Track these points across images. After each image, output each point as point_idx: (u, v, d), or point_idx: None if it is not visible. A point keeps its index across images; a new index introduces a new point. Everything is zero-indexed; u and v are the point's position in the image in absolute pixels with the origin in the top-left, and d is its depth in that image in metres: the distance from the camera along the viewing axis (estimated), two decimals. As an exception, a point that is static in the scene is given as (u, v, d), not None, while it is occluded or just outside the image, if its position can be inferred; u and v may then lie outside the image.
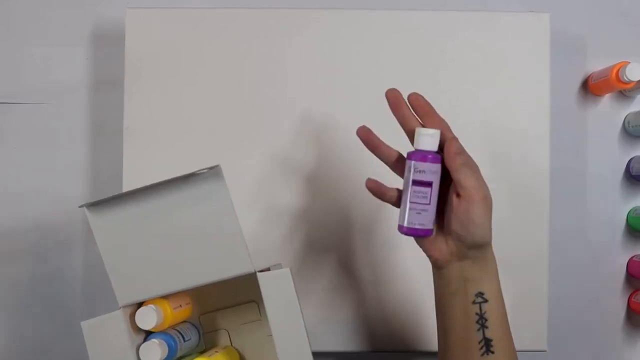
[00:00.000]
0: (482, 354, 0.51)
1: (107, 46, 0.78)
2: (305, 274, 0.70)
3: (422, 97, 0.53)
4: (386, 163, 0.54)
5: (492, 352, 0.51)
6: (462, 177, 0.50)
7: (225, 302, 0.63)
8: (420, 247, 0.54)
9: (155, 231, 0.53)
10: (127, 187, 0.69)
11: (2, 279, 0.77)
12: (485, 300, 0.51)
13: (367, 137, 0.54)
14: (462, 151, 0.51)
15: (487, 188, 0.52)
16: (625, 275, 0.78)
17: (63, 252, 0.77)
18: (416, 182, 0.50)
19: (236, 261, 0.53)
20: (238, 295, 0.62)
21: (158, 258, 0.54)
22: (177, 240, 0.53)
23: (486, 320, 0.51)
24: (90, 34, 0.78)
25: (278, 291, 0.52)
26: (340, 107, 0.70)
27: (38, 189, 0.77)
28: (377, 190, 0.53)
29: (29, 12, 0.79)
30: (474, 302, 0.51)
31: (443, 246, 0.52)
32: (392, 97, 0.53)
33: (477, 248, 0.52)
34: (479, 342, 0.51)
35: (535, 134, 0.70)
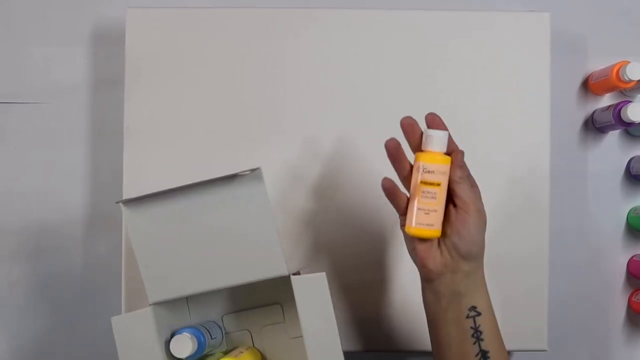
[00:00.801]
0: None
1: (107, 46, 0.78)
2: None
3: (439, 118, 0.53)
4: (400, 175, 0.54)
5: None
6: (460, 188, 0.51)
7: (249, 303, 0.62)
8: (414, 257, 0.54)
9: (190, 230, 0.53)
10: (127, 187, 0.69)
11: (2, 278, 0.77)
12: (479, 314, 0.52)
13: (395, 151, 0.53)
14: (464, 165, 0.52)
15: (483, 205, 0.52)
16: (625, 275, 0.78)
17: (63, 252, 0.77)
18: (425, 183, 0.50)
19: (271, 263, 0.53)
20: (262, 297, 0.62)
21: (191, 257, 0.54)
22: (212, 240, 0.53)
23: (481, 333, 0.52)
24: (90, 34, 0.78)
25: (312, 295, 0.52)
26: (340, 107, 0.70)
27: (38, 189, 0.77)
28: (391, 191, 0.53)
29: (29, 12, 0.79)
30: (467, 317, 0.52)
31: (437, 257, 0.52)
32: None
33: (471, 260, 0.52)
34: (476, 355, 0.51)
35: (535, 133, 0.70)
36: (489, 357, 0.51)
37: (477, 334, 0.51)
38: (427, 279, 0.54)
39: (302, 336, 0.59)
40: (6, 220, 0.77)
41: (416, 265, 0.54)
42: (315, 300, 0.52)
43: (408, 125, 0.52)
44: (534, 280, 0.70)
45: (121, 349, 0.53)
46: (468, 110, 0.70)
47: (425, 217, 0.50)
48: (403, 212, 0.53)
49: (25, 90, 0.78)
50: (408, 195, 0.53)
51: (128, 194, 0.69)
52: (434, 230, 0.51)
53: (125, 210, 0.53)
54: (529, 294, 0.69)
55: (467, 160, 0.71)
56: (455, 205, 0.51)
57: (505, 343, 0.70)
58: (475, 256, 0.52)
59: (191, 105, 0.70)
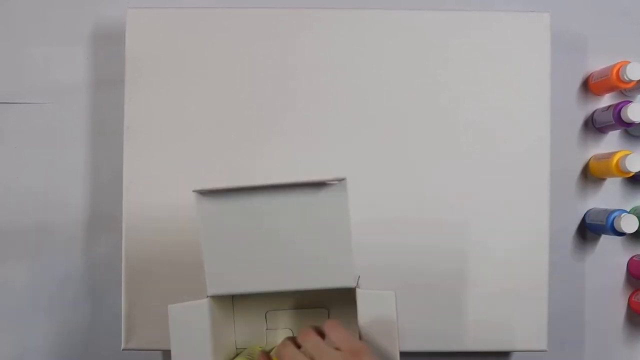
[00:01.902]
0: None
1: (107, 46, 0.78)
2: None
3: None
4: None
5: None
6: None
7: (295, 303, 0.62)
8: None
9: (262, 229, 0.53)
10: (127, 187, 0.70)
11: (1, 278, 0.77)
12: None
13: None
14: None
15: None
16: (625, 275, 0.78)
17: (63, 252, 0.77)
18: None
19: (339, 273, 0.52)
20: (308, 299, 0.61)
21: (259, 256, 0.53)
22: (282, 242, 0.53)
23: None
24: (90, 34, 0.78)
25: (376, 312, 0.51)
26: (340, 107, 0.70)
27: (38, 189, 0.77)
28: None
29: (29, 12, 0.79)
30: None
31: None
32: None
33: None
34: None
35: (535, 133, 0.70)
36: None
37: None
38: None
39: None
40: (6, 220, 0.77)
41: None
42: (380, 319, 0.51)
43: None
44: (534, 280, 0.70)
45: (174, 338, 0.53)
46: (468, 110, 0.70)
47: None
48: None
49: (25, 90, 0.78)
50: None
51: (128, 194, 0.69)
52: None
53: (199, 200, 0.52)
54: (529, 294, 0.69)
55: (467, 160, 0.71)
56: None
57: (505, 343, 0.70)
58: None
59: (191, 105, 0.70)
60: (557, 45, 0.73)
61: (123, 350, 0.69)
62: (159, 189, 0.69)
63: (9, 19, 0.78)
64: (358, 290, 0.52)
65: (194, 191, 0.52)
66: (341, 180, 0.51)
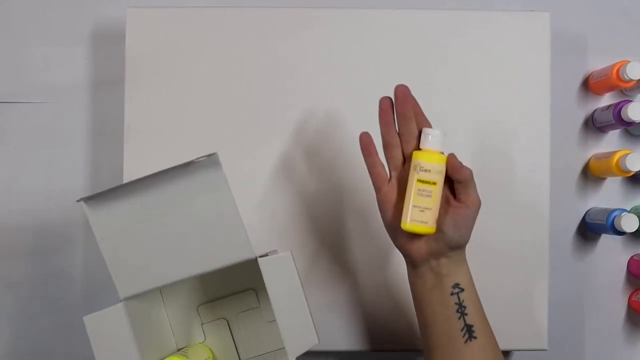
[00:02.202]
0: (466, 341, 0.52)
1: (107, 46, 0.78)
2: (304, 273, 0.69)
3: (411, 96, 0.53)
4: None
5: (475, 337, 0.53)
6: (470, 186, 0.52)
7: (223, 291, 0.63)
8: (397, 245, 0.55)
9: (154, 222, 0.54)
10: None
11: (2, 278, 0.77)
12: (462, 290, 0.53)
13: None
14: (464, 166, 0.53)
15: None
16: (625, 274, 0.78)
17: (63, 251, 0.77)
18: (422, 181, 0.51)
19: (237, 248, 0.53)
20: (235, 284, 0.63)
21: (158, 248, 0.54)
22: (177, 230, 0.54)
23: (465, 307, 0.53)
24: (90, 34, 0.78)
25: (280, 275, 0.53)
26: (340, 106, 0.70)
27: (38, 188, 0.77)
28: (366, 146, 0.55)
29: (29, 12, 0.79)
30: (451, 294, 0.53)
31: (422, 245, 0.53)
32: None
33: (458, 249, 0.54)
34: (462, 330, 0.53)
35: (535, 132, 0.70)
36: (473, 331, 0.53)
37: (461, 309, 0.53)
38: (412, 265, 0.55)
39: None
40: (6, 220, 0.77)
41: (400, 251, 0.56)
42: (284, 280, 0.53)
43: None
44: (534, 280, 0.70)
45: (96, 347, 0.53)
46: (468, 110, 0.70)
47: (420, 215, 0.51)
48: (379, 186, 0.55)
49: (25, 90, 0.78)
50: (387, 170, 0.55)
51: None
52: (428, 228, 0.52)
53: (86, 208, 0.53)
54: (529, 294, 0.69)
55: (467, 160, 0.71)
56: (457, 200, 0.53)
57: (505, 343, 0.70)
58: (462, 245, 0.54)
59: (191, 105, 0.70)
60: (557, 45, 0.73)
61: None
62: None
63: (9, 19, 0.78)
64: (259, 259, 0.53)
65: (78, 201, 0.53)
66: (211, 155, 0.52)
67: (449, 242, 0.52)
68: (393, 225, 0.54)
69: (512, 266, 0.70)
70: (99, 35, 0.78)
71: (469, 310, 0.53)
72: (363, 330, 0.70)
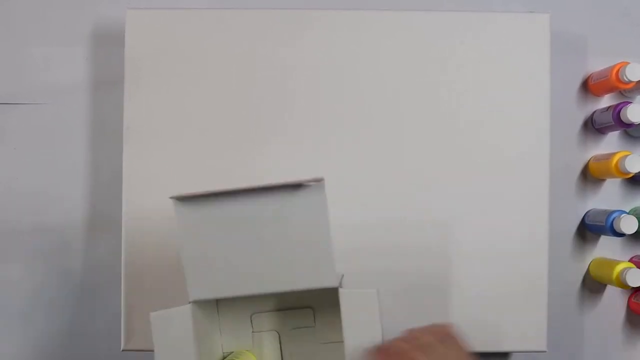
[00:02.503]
0: None
1: (107, 46, 0.78)
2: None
3: None
4: None
5: None
6: None
7: (280, 304, 0.62)
8: None
9: (242, 232, 0.53)
10: (127, 187, 0.70)
11: (2, 278, 0.77)
12: None
13: None
14: None
15: None
16: (624, 275, 0.78)
17: (63, 252, 0.77)
18: None
19: (321, 274, 0.52)
20: (293, 300, 0.61)
21: (239, 259, 0.53)
22: (263, 245, 0.53)
23: None
24: (90, 34, 0.78)
25: (360, 312, 0.52)
26: (340, 107, 0.70)
27: (38, 189, 0.77)
28: None
29: (29, 12, 0.79)
30: None
31: None
32: None
33: None
34: None
35: (535, 133, 0.70)
36: None
37: None
38: None
39: (332, 342, 0.59)
40: (6, 220, 0.77)
41: None
42: (363, 318, 0.51)
43: None
44: (533, 281, 0.70)
45: (158, 346, 0.53)
46: (468, 111, 0.70)
47: None
48: None
49: (25, 90, 0.78)
50: None
51: (128, 194, 0.69)
52: None
53: (177, 207, 0.53)
54: (528, 295, 0.69)
55: (467, 160, 0.71)
56: None
57: (504, 344, 0.70)
58: None
59: (191, 105, 0.70)
60: (557, 46, 0.73)
61: (123, 351, 0.69)
62: (159, 189, 0.69)
63: (9, 19, 0.78)
64: (341, 290, 0.52)
65: (171, 198, 0.52)
66: (319, 180, 0.51)
67: None
68: None
69: (511, 267, 0.70)
70: (99, 36, 0.78)
71: None
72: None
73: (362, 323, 0.51)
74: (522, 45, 0.71)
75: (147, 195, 0.69)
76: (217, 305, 0.61)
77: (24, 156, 0.78)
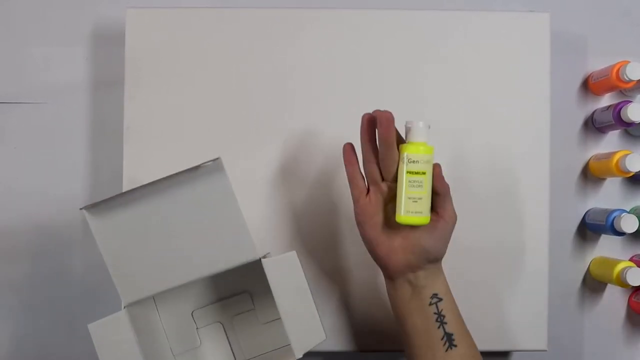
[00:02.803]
0: (447, 349, 0.53)
1: (107, 46, 0.78)
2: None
3: (394, 124, 0.54)
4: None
5: (455, 346, 0.53)
6: (446, 201, 0.54)
7: (217, 295, 0.63)
8: (375, 257, 0.56)
9: (157, 227, 0.54)
10: (127, 187, 0.69)
11: (1, 279, 0.77)
12: (440, 299, 0.54)
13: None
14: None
15: None
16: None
17: (63, 252, 0.77)
18: (411, 172, 0.52)
19: (241, 250, 0.53)
20: (229, 288, 0.63)
21: (161, 253, 0.54)
22: (180, 235, 0.54)
23: (444, 317, 0.54)
24: (90, 34, 0.78)
25: (285, 275, 0.53)
26: (340, 107, 0.70)
27: (38, 189, 0.77)
28: (348, 156, 0.57)
29: (29, 12, 0.79)
30: (430, 304, 0.54)
31: (400, 258, 0.54)
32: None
33: (435, 261, 0.55)
34: (442, 339, 0.53)
35: (535, 133, 0.71)
36: (453, 340, 0.54)
37: (440, 318, 0.54)
38: (389, 277, 0.56)
39: (274, 320, 0.61)
40: (6, 220, 0.77)
41: (377, 264, 0.56)
42: (289, 279, 0.53)
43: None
44: (533, 280, 0.70)
45: (102, 355, 0.53)
46: (468, 111, 0.70)
47: (414, 205, 0.52)
48: (357, 198, 0.55)
49: (25, 90, 0.78)
50: (366, 182, 0.56)
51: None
52: (423, 217, 0.53)
53: (88, 216, 0.53)
54: (529, 294, 0.69)
55: (467, 160, 0.71)
56: (435, 214, 0.54)
57: (505, 343, 0.70)
58: (440, 259, 0.55)
59: (191, 105, 0.70)
60: (557, 45, 0.73)
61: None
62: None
63: (9, 19, 0.78)
64: (263, 260, 0.53)
65: (81, 209, 0.53)
66: (215, 159, 0.52)
67: (427, 255, 0.53)
68: (370, 237, 0.55)
69: (511, 266, 0.70)
70: (99, 35, 0.78)
71: (447, 319, 0.54)
72: (350, 330, 0.70)
73: (289, 285, 0.53)
74: (522, 45, 0.71)
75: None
76: (156, 307, 0.62)
77: (24, 156, 0.77)
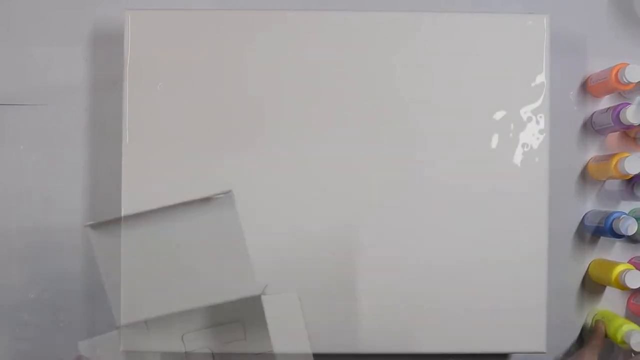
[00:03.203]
0: None
1: (107, 46, 0.78)
2: (298, 274, 0.69)
3: None
4: None
5: None
6: None
7: (209, 321, 0.62)
8: None
9: (161, 252, 0.54)
10: (126, 189, 0.69)
11: (2, 278, 0.77)
12: None
13: None
14: None
15: None
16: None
17: (63, 252, 0.77)
18: None
19: (243, 284, 0.54)
20: (222, 315, 0.62)
21: (162, 278, 0.54)
22: (183, 262, 0.54)
23: None
24: (90, 34, 0.78)
25: (284, 315, 0.53)
26: (340, 109, 0.70)
27: (38, 189, 0.77)
28: None
29: (29, 12, 0.79)
30: None
31: None
32: None
33: None
34: None
35: (534, 135, 0.71)
36: None
37: None
38: None
39: (264, 353, 0.60)
40: (6, 220, 0.77)
41: None
42: (287, 321, 0.53)
43: None
44: (532, 282, 0.70)
45: None
46: (467, 112, 0.70)
47: None
48: None
49: (25, 91, 0.78)
50: None
51: (127, 195, 0.69)
52: None
53: (92, 234, 0.53)
54: (528, 296, 0.69)
55: (466, 162, 0.71)
56: None
57: (503, 345, 0.70)
58: None
59: (191, 106, 0.70)
60: (556, 47, 0.73)
61: (122, 351, 0.69)
62: (158, 189, 0.69)
63: (9, 19, 0.78)
64: (263, 297, 0.53)
65: (85, 226, 0.53)
66: (227, 192, 0.52)
67: None
68: None
69: (510, 268, 0.70)
70: (99, 36, 0.79)
71: None
72: (354, 332, 0.70)
73: (286, 326, 0.53)
74: (522, 46, 0.71)
75: (147, 195, 0.69)
76: (147, 328, 0.61)
77: (23, 157, 0.77)
